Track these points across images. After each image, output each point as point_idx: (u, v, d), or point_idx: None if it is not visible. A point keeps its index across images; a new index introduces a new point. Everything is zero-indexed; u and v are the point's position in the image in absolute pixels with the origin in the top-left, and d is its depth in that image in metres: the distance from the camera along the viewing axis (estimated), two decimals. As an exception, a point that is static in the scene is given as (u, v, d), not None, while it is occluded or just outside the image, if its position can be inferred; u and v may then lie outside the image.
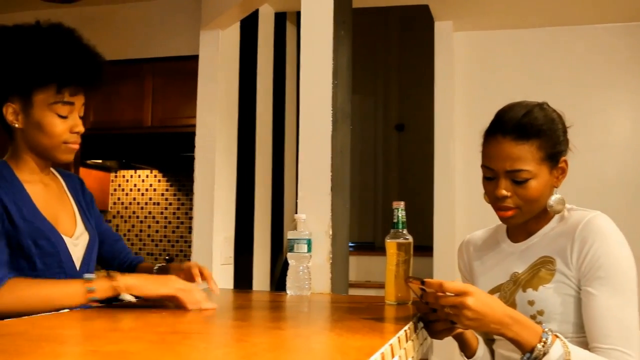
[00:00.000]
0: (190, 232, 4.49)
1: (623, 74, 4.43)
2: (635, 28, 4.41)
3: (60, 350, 1.08)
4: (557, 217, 1.67)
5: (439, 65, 4.56)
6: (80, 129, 1.79)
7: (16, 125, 1.73)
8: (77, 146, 1.81)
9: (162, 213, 4.97)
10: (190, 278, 1.88)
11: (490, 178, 1.65)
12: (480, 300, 1.38)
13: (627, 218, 4.14)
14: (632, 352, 1.47)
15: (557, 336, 1.43)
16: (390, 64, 6.52)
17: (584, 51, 4.48)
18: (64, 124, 1.76)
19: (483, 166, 1.66)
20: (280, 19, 4.59)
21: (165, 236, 4.94)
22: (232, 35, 3.68)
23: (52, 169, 1.92)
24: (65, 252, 1.74)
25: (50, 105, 1.73)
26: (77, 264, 1.79)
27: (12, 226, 1.64)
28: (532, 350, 1.40)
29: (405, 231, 1.81)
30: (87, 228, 1.88)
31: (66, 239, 1.76)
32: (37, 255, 1.67)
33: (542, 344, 1.40)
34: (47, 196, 1.80)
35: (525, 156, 1.59)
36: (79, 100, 1.80)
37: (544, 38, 4.55)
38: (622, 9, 4.22)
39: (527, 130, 1.59)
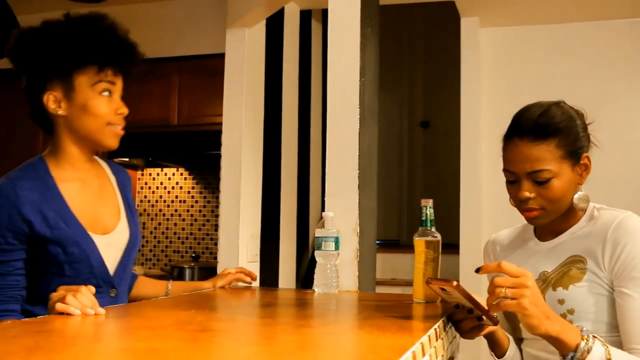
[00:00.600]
0: (216, 230, 4.51)
1: (653, 69, 4.37)
2: (665, 23, 4.35)
3: (94, 347, 1.09)
4: (586, 216, 1.66)
5: (465, 62, 4.52)
6: (124, 110, 1.79)
7: (59, 113, 1.73)
8: (122, 131, 1.80)
9: (188, 211, 4.99)
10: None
11: (512, 181, 1.65)
12: (535, 285, 1.40)
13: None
14: None
15: (595, 336, 1.42)
16: (415, 60, 6.48)
17: (611, 46, 4.42)
18: (109, 104, 1.76)
19: (504, 170, 1.66)
20: (306, 17, 4.59)
21: (191, 234, 4.97)
22: (258, 34, 3.68)
23: (101, 161, 1.91)
24: (97, 258, 1.71)
25: (93, 86, 1.73)
26: (112, 267, 1.76)
27: (38, 236, 1.64)
28: (576, 349, 1.39)
29: (433, 229, 1.80)
30: (129, 225, 1.86)
31: (100, 239, 1.73)
32: (66, 262, 1.66)
33: (585, 341, 1.39)
34: (85, 194, 1.78)
35: (544, 156, 1.58)
36: (119, 82, 1.80)
37: (570, 34, 4.50)
38: (652, 3, 4.16)
39: (544, 130, 1.59)
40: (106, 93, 1.75)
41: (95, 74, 1.74)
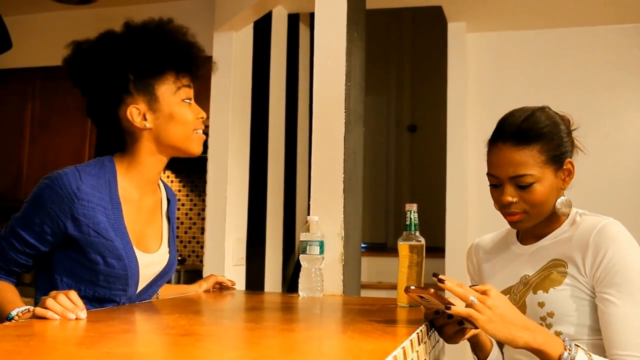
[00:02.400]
0: (202, 233, 4.50)
1: (636, 75, 4.41)
2: (650, 29, 4.38)
3: (75, 351, 1.08)
4: (568, 221, 1.67)
5: (452, 66, 4.55)
6: (204, 114, 1.77)
7: (147, 126, 1.69)
8: (204, 136, 1.78)
9: (174, 213, 4.98)
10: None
11: (496, 185, 1.66)
12: (501, 301, 1.39)
13: (641, 220, 4.12)
14: None
15: (578, 345, 1.42)
16: (403, 64, 6.51)
17: (597, 52, 4.46)
18: (191, 110, 1.74)
19: (488, 174, 1.67)
20: (294, 21, 4.59)
21: (177, 237, 4.95)
22: (245, 37, 3.68)
23: (161, 182, 1.88)
24: (134, 277, 1.67)
25: (175, 93, 1.71)
26: (141, 287, 1.73)
27: (80, 238, 1.59)
28: (559, 359, 1.39)
29: (417, 233, 1.81)
30: (170, 251, 1.84)
31: (142, 257, 1.69)
32: (103, 272, 1.61)
33: (568, 351, 1.39)
34: (140, 210, 1.74)
35: (527, 161, 1.59)
36: (193, 86, 1.78)
37: (557, 39, 4.53)
38: (636, 9, 4.19)
39: (527, 135, 1.60)
40: (188, 100, 1.74)
41: (174, 82, 1.72)
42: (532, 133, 1.60)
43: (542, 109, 1.68)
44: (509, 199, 1.61)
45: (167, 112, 1.70)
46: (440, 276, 1.37)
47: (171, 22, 1.79)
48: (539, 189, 1.60)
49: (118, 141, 1.75)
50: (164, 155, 1.75)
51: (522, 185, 1.60)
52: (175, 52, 1.73)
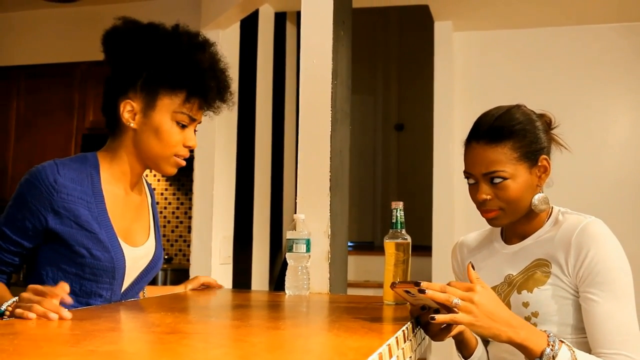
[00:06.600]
0: (189, 232, 4.50)
1: (623, 73, 4.44)
2: (634, 28, 4.41)
3: (59, 350, 1.08)
4: (550, 220, 1.68)
5: (438, 65, 4.56)
6: (194, 144, 1.73)
7: (131, 125, 1.68)
8: (184, 162, 1.75)
9: (161, 212, 4.97)
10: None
11: (472, 184, 1.68)
12: (487, 297, 1.38)
13: (627, 217, 4.15)
14: (637, 355, 1.48)
15: (562, 341, 1.43)
16: (389, 63, 6.52)
17: (584, 51, 4.48)
18: (181, 135, 1.70)
19: (464, 173, 1.69)
20: (280, 19, 4.59)
21: (164, 235, 4.94)
22: (232, 35, 3.68)
23: (144, 179, 1.87)
24: (121, 269, 1.65)
25: (173, 113, 1.68)
26: (127, 282, 1.72)
27: (61, 231, 1.58)
28: (541, 355, 1.40)
29: (403, 231, 1.81)
30: (156, 246, 1.83)
31: (129, 250, 1.68)
32: (89, 265, 1.60)
33: (551, 347, 1.40)
34: (125, 204, 1.73)
35: (499, 158, 1.61)
36: (199, 118, 1.75)
37: (543, 38, 4.55)
38: (622, 9, 4.22)
39: (499, 132, 1.62)
40: (183, 125, 1.70)
41: (180, 103, 1.68)
42: (504, 130, 1.62)
43: (518, 106, 1.70)
44: (484, 196, 1.63)
45: (155, 124, 1.68)
46: (420, 285, 1.35)
47: (212, 46, 1.77)
48: (512, 185, 1.61)
49: (110, 124, 1.74)
50: (139, 159, 1.73)
51: (495, 182, 1.62)
52: (195, 74, 1.69)
